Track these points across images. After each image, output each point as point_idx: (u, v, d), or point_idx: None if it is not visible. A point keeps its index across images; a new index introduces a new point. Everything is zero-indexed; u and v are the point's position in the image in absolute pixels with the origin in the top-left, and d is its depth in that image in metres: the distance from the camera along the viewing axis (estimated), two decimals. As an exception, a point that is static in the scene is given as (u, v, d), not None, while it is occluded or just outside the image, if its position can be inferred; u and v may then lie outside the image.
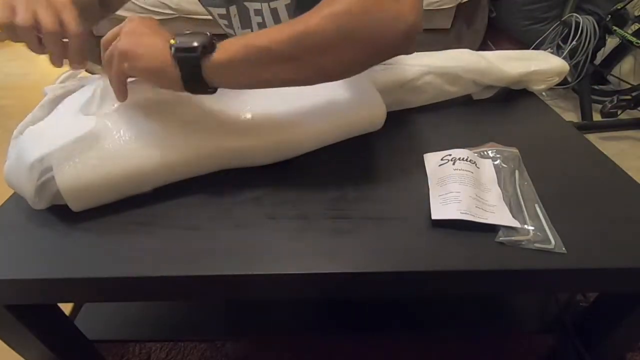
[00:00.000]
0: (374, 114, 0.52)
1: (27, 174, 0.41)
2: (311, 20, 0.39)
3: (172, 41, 0.40)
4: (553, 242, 0.40)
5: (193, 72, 0.40)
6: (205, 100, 0.47)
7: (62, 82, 0.54)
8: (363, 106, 0.52)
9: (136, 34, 0.42)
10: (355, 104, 0.52)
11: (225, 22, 0.68)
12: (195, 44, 0.39)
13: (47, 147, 0.41)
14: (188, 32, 0.41)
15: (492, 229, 0.41)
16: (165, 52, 0.40)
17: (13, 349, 0.51)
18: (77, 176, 0.42)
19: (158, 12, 1.77)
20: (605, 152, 0.54)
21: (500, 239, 0.41)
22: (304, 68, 0.41)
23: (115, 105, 0.46)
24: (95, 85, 0.48)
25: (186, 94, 0.43)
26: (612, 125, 1.54)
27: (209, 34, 0.40)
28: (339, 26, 0.38)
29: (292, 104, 0.50)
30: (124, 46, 0.41)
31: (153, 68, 0.41)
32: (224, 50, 0.40)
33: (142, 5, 1.75)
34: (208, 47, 0.40)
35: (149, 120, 0.46)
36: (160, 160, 0.45)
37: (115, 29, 0.44)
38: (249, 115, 0.49)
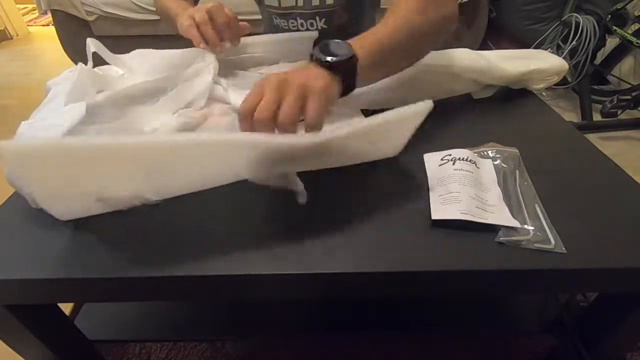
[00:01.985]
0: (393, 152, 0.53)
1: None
2: (413, 17, 0.51)
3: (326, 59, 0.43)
4: (553, 242, 0.40)
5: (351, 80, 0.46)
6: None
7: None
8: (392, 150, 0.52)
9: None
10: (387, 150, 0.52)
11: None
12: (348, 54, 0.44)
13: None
14: (324, 44, 0.45)
15: (492, 229, 0.41)
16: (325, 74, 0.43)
17: (13, 349, 0.51)
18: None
19: (158, 12, 1.77)
20: (605, 152, 0.54)
21: (500, 239, 0.41)
22: (412, 56, 0.55)
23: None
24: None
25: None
26: (612, 125, 1.54)
27: (346, 42, 0.45)
28: (425, 21, 0.51)
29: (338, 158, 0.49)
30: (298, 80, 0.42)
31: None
32: (365, 54, 0.46)
33: (142, 5, 1.75)
34: (354, 55, 0.44)
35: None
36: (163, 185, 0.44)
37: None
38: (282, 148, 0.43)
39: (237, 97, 0.55)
